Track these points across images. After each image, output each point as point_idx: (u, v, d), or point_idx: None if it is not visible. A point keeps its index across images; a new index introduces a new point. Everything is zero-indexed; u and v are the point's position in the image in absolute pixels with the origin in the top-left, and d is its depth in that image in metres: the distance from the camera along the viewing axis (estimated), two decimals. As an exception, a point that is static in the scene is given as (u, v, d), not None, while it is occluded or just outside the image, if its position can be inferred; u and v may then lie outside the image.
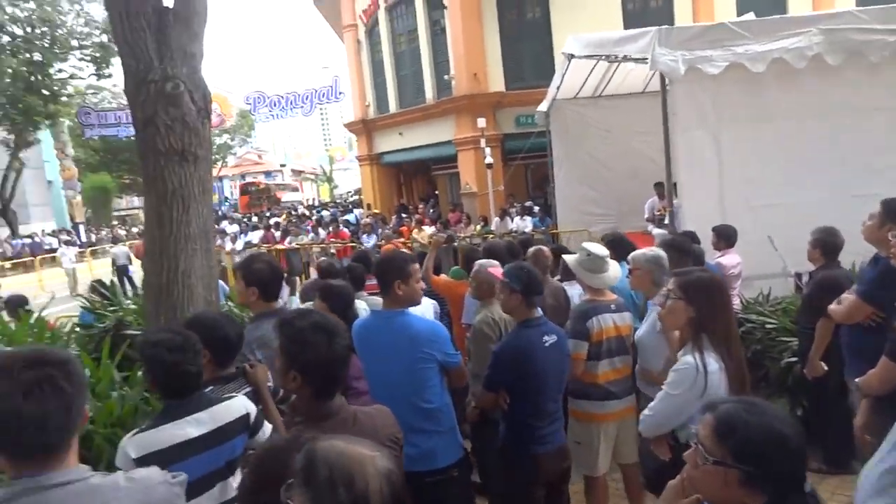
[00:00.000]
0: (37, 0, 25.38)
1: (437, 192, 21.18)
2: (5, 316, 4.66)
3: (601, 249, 3.29)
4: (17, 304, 4.81)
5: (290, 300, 5.60)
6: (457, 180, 16.88)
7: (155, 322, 3.31)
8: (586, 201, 10.09)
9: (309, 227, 14.17)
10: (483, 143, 14.28)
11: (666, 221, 7.17)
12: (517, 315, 2.80)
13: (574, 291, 3.97)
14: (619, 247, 4.04)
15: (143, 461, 1.74)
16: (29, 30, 26.10)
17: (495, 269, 3.34)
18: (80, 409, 1.32)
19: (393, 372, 2.52)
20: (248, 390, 2.22)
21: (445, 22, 15.83)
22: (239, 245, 14.02)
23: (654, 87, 7.18)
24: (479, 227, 12.76)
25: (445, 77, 15.98)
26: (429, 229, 12.15)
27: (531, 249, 4.32)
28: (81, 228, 34.90)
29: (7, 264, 22.70)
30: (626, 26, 12.81)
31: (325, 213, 23.72)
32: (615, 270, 3.29)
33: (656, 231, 8.10)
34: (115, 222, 43.87)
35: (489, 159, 13.99)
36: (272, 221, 17.41)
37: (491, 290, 3.29)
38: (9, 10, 25.27)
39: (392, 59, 17.90)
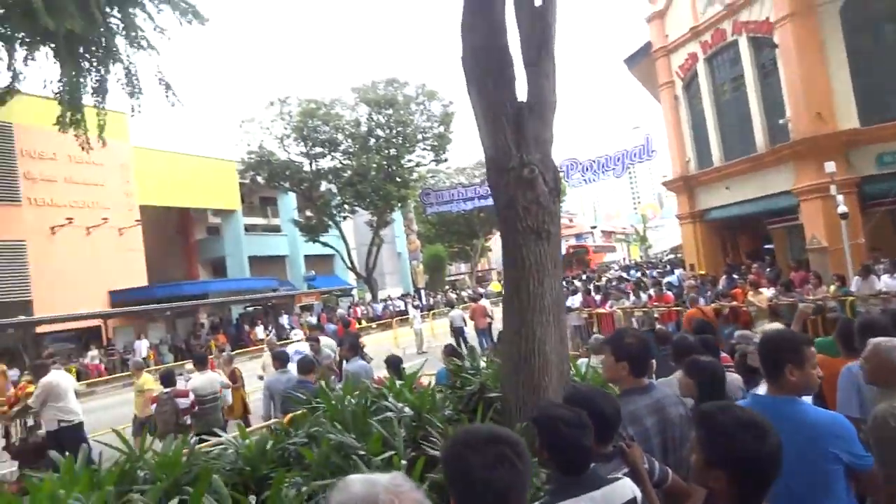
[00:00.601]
0: (395, 107, 31.10)
1: (767, 249, 18.94)
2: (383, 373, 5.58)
3: None
4: (396, 364, 5.75)
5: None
6: (798, 234, 14.83)
7: (513, 388, 3.54)
8: None
9: (629, 290, 13.92)
10: (833, 189, 12.32)
11: None
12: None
13: None
14: None
15: None
16: (388, 131, 32.08)
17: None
18: (528, 486, 1.43)
19: (784, 475, 2.19)
20: (626, 471, 2.18)
21: (777, 62, 14.46)
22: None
23: None
24: (832, 288, 10.89)
25: (780, 121, 14.43)
26: (767, 291, 10.83)
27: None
28: (422, 293, 40.37)
29: (373, 324, 27.34)
30: None
31: (639, 274, 23.12)
32: None
33: None
34: (446, 287, 49.61)
35: (843, 208, 11.97)
36: (591, 285, 17.66)
37: (893, 374, 2.72)
38: (375, 117, 31.54)
39: (714, 110, 16.98)
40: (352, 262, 36.05)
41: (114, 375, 21.08)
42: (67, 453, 7.72)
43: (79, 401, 10.35)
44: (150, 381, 9.31)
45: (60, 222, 23.82)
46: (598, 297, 14.13)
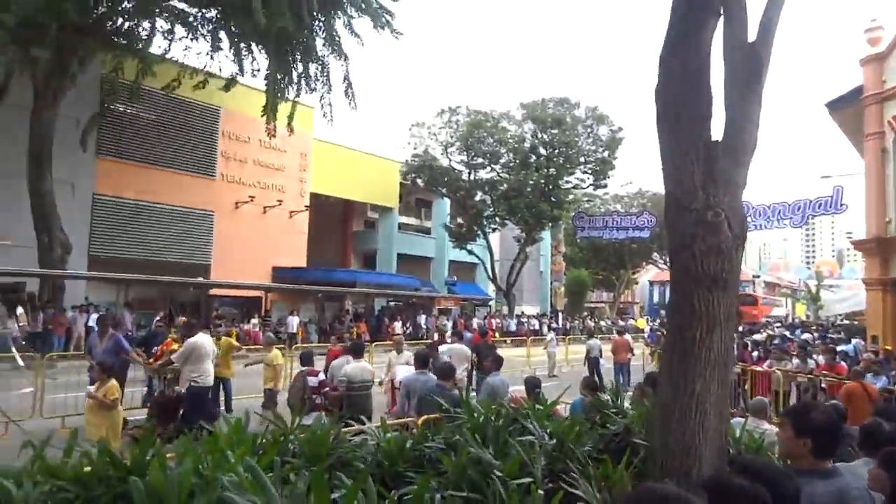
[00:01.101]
0: (561, 127, 30.93)
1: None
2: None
3: None
4: (535, 386, 5.67)
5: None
6: None
7: (663, 440, 3.33)
8: None
9: (792, 351, 12.58)
10: None
11: None
12: None
13: None
14: None
15: None
16: (551, 150, 31.96)
17: None
18: None
19: None
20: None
21: None
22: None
23: None
24: None
25: None
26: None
27: None
28: (560, 315, 39.64)
29: (507, 339, 27.30)
30: None
31: (806, 335, 20.86)
32: None
33: None
34: (584, 313, 48.28)
35: None
36: (749, 339, 16.21)
37: None
38: (540, 135, 31.57)
39: (929, 168, 14.90)
40: (494, 274, 36.35)
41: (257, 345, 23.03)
42: (230, 415, 8.40)
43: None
44: (279, 357, 9.93)
45: (244, 199, 26.58)
46: (755, 354, 12.93)
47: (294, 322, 25.02)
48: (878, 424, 3.84)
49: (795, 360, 11.77)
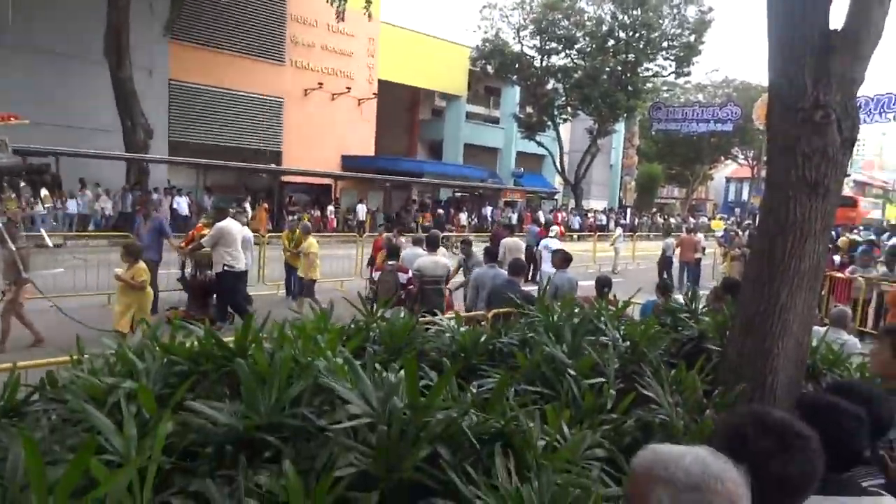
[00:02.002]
0: (644, 7, 28.54)
1: None
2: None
3: None
4: (603, 285, 5.68)
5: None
6: None
7: (739, 347, 3.30)
8: None
9: (880, 258, 11.94)
10: None
11: None
12: None
13: None
14: None
15: None
16: (631, 34, 29.76)
17: None
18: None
19: None
20: (881, 482, 1.95)
21: None
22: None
23: None
24: None
25: None
26: None
27: None
28: (628, 211, 38.81)
29: (573, 234, 27.15)
30: None
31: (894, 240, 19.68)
32: None
33: None
34: (654, 209, 47.01)
35: None
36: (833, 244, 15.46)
37: None
38: (620, 17, 29.33)
39: None
40: (562, 167, 35.54)
41: (339, 231, 23.88)
42: (305, 300, 8.60)
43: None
44: (313, 245, 9.66)
45: (313, 86, 26.49)
46: (837, 259, 12.37)
47: (362, 210, 25.62)
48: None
49: (883, 268, 11.20)
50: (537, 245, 14.39)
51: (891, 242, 19.09)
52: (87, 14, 18.81)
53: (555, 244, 13.01)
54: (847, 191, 50.86)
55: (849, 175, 55.40)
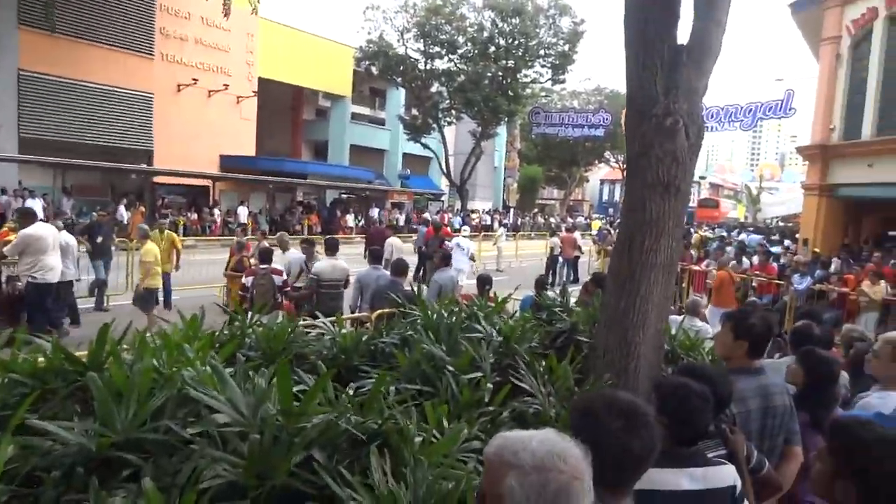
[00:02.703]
0: (521, 16, 29.70)
1: (892, 236, 17.45)
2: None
3: None
4: (484, 282, 5.85)
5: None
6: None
7: (604, 337, 3.53)
8: None
9: (730, 252, 13.26)
10: None
11: None
12: None
13: None
14: None
15: (639, 494, 1.81)
16: (510, 41, 30.85)
17: None
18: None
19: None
20: (723, 453, 2.16)
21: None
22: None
23: None
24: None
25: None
26: (885, 285, 10.03)
27: None
28: (512, 211, 40.20)
29: (459, 235, 27.62)
30: None
31: (745, 237, 21.91)
32: None
33: None
34: (535, 210, 49.03)
35: None
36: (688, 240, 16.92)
37: None
38: (499, 24, 30.32)
39: (880, 77, 15.10)
40: (448, 169, 36.11)
41: (215, 236, 22.72)
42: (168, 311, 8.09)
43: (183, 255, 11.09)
44: (150, 251, 8.71)
45: (186, 81, 25.03)
46: (693, 253, 13.57)
47: (244, 212, 24.60)
48: (809, 326, 4.17)
49: (733, 262, 12.42)
50: (425, 245, 14.59)
51: (740, 238, 21.23)
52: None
53: (466, 243, 13.91)
54: (703, 193, 55.96)
55: (704, 178, 61.00)
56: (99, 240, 10.44)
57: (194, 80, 25.14)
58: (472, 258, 14.02)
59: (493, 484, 1.19)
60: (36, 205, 18.69)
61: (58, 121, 21.54)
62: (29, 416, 1.77)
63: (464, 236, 15.21)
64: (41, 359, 2.16)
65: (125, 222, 19.81)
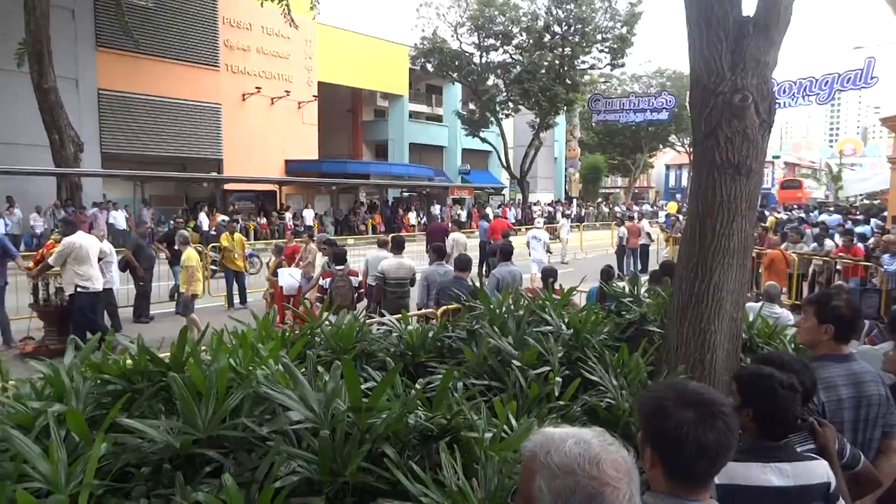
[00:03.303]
0: (576, 1, 29.07)
1: None
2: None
3: None
4: (548, 275, 5.77)
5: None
6: None
7: (677, 327, 3.41)
8: None
9: (811, 234, 12.55)
10: None
11: None
12: None
13: None
14: None
15: (723, 490, 1.73)
16: (566, 28, 30.27)
17: None
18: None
19: None
20: (811, 447, 2.03)
21: None
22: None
23: None
24: None
25: None
26: None
27: None
28: (574, 202, 39.53)
29: (522, 227, 27.43)
30: None
31: (826, 217, 20.69)
32: None
33: None
34: (599, 199, 48.00)
35: None
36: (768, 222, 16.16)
37: None
38: (554, 12, 29.79)
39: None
40: (507, 162, 35.87)
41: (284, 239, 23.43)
42: (245, 307, 8.40)
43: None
44: (192, 258, 8.75)
45: (250, 90, 25.92)
46: (774, 237, 12.90)
47: (310, 215, 25.26)
48: (904, 309, 3.89)
49: (813, 244, 11.77)
50: (490, 241, 14.60)
51: (820, 218, 20.06)
52: (4, 23, 17.87)
53: (542, 234, 14.35)
54: (778, 172, 53.27)
55: (778, 157, 58.06)
56: (177, 247, 10.94)
57: (258, 88, 26.01)
58: (548, 249, 14.34)
59: (525, 483, 1.15)
60: (119, 216, 19.87)
61: (135, 135, 22.78)
62: (120, 415, 1.87)
63: (538, 227, 15.66)
64: (129, 361, 2.28)
65: (205, 229, 20.74)
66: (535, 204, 36.01)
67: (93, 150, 20.70)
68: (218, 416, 1.92)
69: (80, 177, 19.55)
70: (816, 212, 25.05)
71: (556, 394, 2.77)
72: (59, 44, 18.35)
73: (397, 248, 7.38)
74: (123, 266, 9.68)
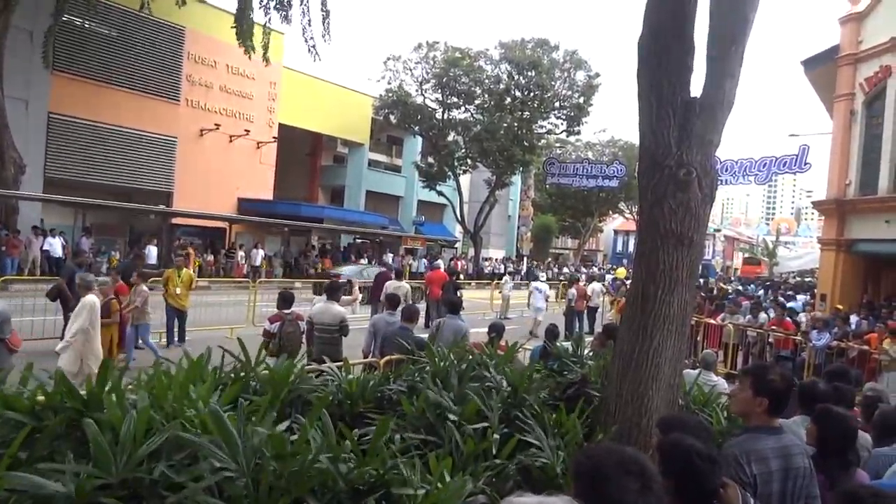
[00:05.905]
0: (537, 70, 30.32)
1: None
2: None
3: None
4: (499, 331, 5.79)
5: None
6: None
7: (617, 390, 3.44)
8: None
9: (746, 306, 13.04)
10: None
11: None
12: None
13: None
14: None
15: None
16: (526, 93, 31.42)
17: None
18: None
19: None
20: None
21: None
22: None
23: None
24: None
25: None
26: (907, 343, 9.75)
27: None
28: (525, 260, 40.12)
29: (472, 282, 27.60)
30: None
31: (760, 291, 21.60)
32: None
33: None
34: (549, 259, 48.89)
35: None
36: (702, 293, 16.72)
37: None
38: (516, 77, 30.97)
39: (895, 135, 15.14)
40: (462, 216, 36.32)
41: (229, 278, 22.86)
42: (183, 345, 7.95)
43: (193, 294, 11.13)
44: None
45: (209, 126, 25.66)
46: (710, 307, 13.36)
47: (259, 255, 24.79)
48: (815, 384, 4.05)
49: (749, 316, 12.21)
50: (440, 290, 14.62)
51: (759, 293, 20.93)
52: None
53: (543, 286, 16.45)
54: (719, 245, 55.77)
55: (719, 230, 60.78)
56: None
57: (217, 125, 25.77)
58: (547, 299, 16.76)
59: None
60: (56, 243, 19.01)
61: (84, 162, 22.09)
62: (21, 455, 1.73)
63: (541, 280, 18.73)
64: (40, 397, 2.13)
65: (153, 262, 20.05)
66: (485, 259, 36.37)
67: (36, 172, 19.93)
68: (133, 459, 1.80)
69: (17, 199, 18.74)
70: (752, 285, 26.13)
71: (494, 451, 2.72)
72: (13, 64, 17.90)
73: (329, 293, 7.12)
74: (55, 295, 9.22)
